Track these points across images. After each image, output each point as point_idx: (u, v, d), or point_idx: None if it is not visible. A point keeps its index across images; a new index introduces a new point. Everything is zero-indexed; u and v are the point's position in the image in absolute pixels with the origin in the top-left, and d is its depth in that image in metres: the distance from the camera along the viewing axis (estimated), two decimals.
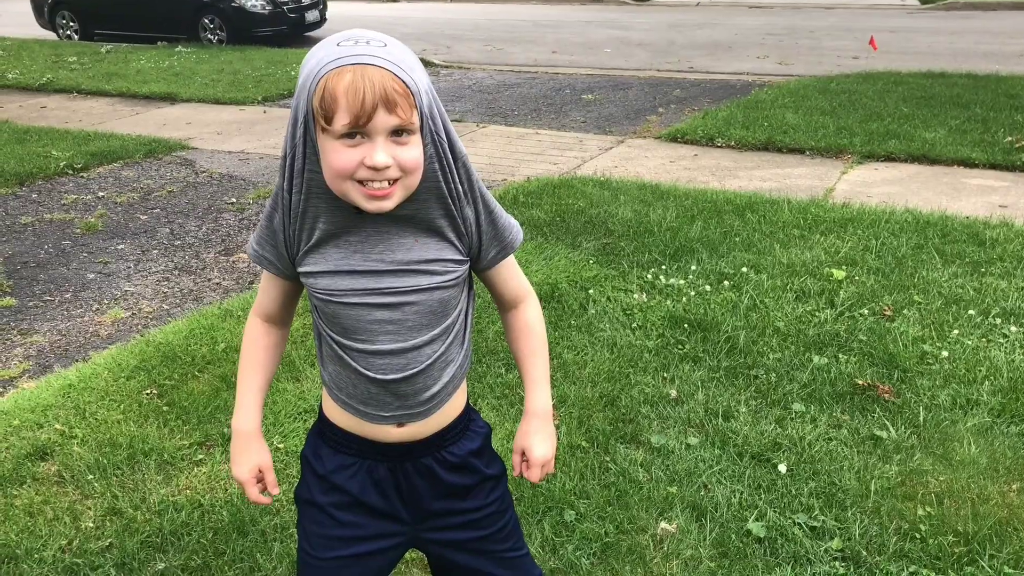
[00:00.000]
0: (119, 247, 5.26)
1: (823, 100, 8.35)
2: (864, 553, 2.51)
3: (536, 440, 1.59)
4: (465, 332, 1.55)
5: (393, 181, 1.33)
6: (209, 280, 4.74)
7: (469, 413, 1.63)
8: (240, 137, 8.03)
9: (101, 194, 6.32)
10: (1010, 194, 5.80)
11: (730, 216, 5.22)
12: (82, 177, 6.77)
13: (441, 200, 1.40)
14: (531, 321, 1.60)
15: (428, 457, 1.56)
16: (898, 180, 6.19)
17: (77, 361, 3.81)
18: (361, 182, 1.32)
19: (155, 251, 5.19)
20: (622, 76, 10.84)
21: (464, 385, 1.60)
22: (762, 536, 2.58)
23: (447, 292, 1.46)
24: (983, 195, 5.80)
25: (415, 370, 1.48)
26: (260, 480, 1.61)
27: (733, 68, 11.09)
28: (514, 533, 1.69)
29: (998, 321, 3.85)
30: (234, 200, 6.12)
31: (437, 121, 1.36)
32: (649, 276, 4.39)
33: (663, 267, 4.51)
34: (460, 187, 1.41)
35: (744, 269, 4.43)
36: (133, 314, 4.33)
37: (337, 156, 1.30)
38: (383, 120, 1.28)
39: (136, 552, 2.56)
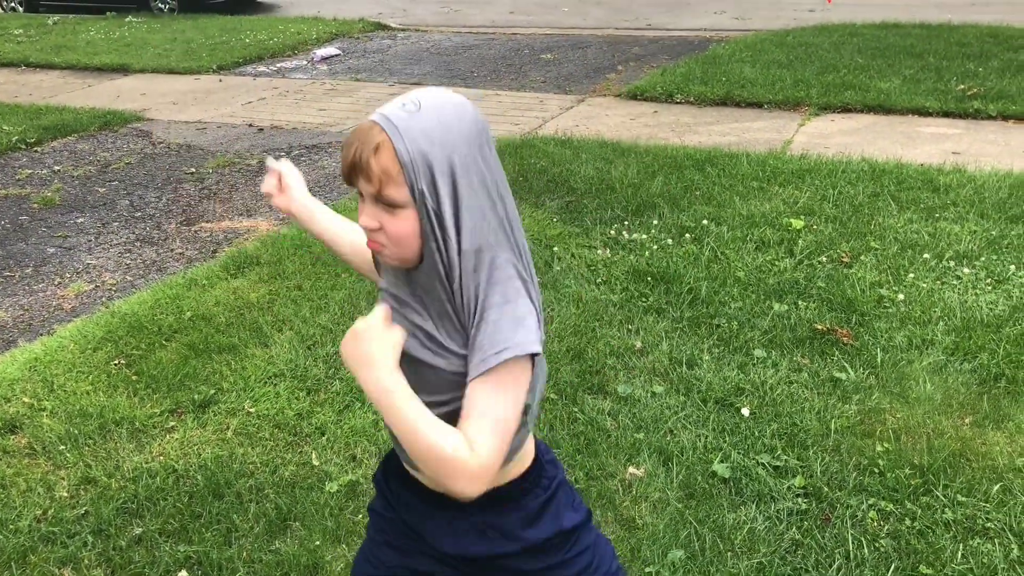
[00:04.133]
0: (78, 220, 5.19)
1: (780, 53, 8.40)
2: (825, 489, 2.60)
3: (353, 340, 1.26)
4: None
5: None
6: (172, 250, 4.71)
7: (520, 483, 1.42)
8: (196, 107, 7.91)
9: (56, 168, 6.21)
10: (963, 141, 5.92)
11: (690, 171, 5.27)
12: (36, 151, 6.65)
13: (442, 285, 1.28)
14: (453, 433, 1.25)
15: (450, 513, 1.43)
16: (854, 130, 6.28)
17: (42, 335, 3.78)
18: None
19: (115, 223, 5.13)
20: (580, 35, 10.81)
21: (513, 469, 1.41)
22: (727, 477, 2.66)
23: (452, 378, 1.30)
24: (937, 143, 5.91)
25: None
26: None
27: (691, 24, 11.10)
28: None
29: (951, 264, 3.96)
30: (193, 170, 6.05)
31: (440, 202, 1.22)
32: (612, 232, 4.44)
33: (625, 223, 4.55)
34: (460, 278, 1.26)
35: (705, 222, 4.49)
36: (96, 287, 4.30)
37: None
38: (363, 185, 1.25)
39: (112, 518, 2.58)
